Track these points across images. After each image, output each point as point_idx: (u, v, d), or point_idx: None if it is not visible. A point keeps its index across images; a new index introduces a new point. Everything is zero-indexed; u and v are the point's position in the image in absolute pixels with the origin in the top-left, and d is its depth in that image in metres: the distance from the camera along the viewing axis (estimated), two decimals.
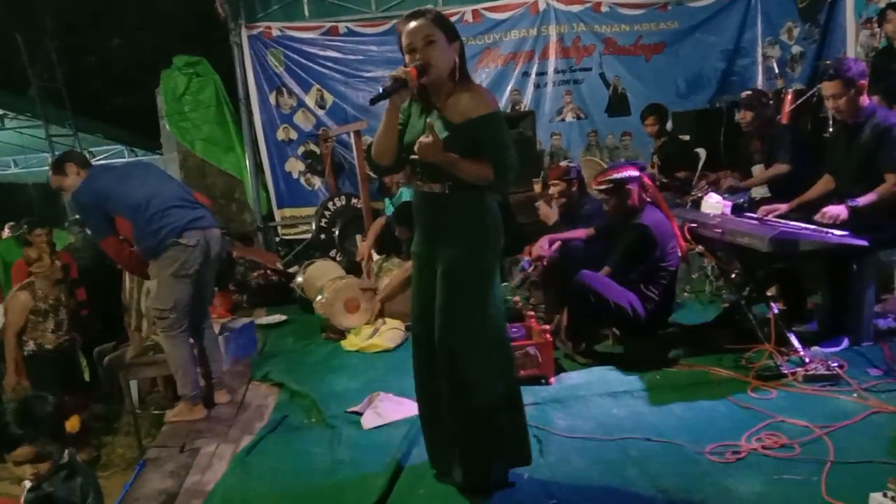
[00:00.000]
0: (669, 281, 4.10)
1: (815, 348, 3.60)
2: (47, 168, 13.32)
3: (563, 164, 5.05)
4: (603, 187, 4.08)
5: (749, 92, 5.37)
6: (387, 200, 6.73)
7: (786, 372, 3.51)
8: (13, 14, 9.77)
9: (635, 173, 4.05)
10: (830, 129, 5.08)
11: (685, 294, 5.44)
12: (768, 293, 4.43)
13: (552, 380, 3.78)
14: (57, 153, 11.40)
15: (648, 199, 4.10)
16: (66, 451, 2.28)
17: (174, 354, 3.85)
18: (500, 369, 2.61)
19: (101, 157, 16.56)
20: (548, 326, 3.96)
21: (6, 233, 8.22)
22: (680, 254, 4.09)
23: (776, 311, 3.87)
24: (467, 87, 2.48)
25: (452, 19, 7.60)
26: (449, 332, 2.52)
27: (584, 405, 3.48)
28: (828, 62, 4.69)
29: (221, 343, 4.46)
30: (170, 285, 3.78)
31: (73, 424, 3.90)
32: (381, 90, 2.41)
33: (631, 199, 4.03)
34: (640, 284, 3.99)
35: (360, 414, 3.62)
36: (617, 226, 4.19)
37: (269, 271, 7.04)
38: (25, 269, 5.10)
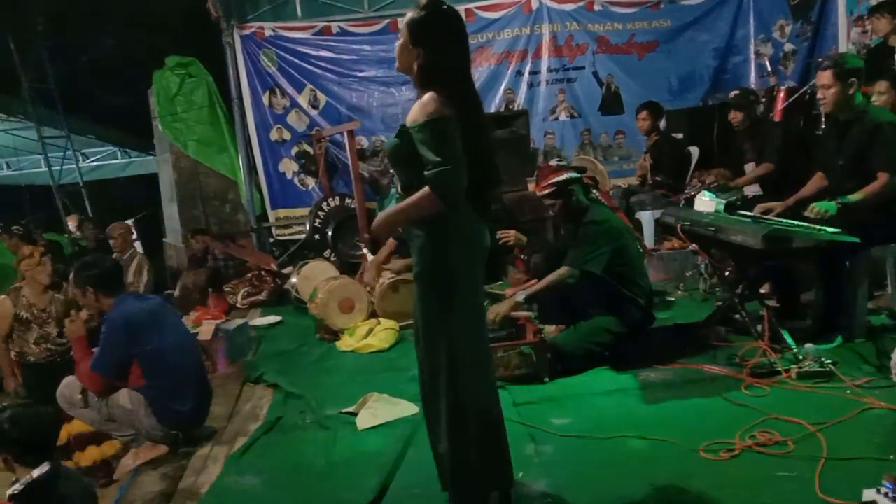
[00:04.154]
0: (641, 269, 4.15)
1: (809, 345, 3.60)
2: (40, 170, 13.28)
3: (553, 163, 5.07)
4: (547, 191, 4.13)
5: (737, 91, 5.39)
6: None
7: (779, 369, 3.51)
8: (3, 15, 9.73)
9: (575, 174, 4.16)
10: (823, 127, 5.10)
11: (679, 292, 5.45)
12: (762, 290, 4.45)
13: (546, 379, 3.78)
14: (49, 154, 11.41)
15: (593, 198, 4.20)
16: (49, 464, 2.28)
17: (92, 418, 3.54)
18: (475, 390, 2.41)
19: (94, 158, 16.49)
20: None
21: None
22: (641, 250, 4.14)
23: (769, 308, 3.87)
24: (422, 93, 2.38)
25: None
26: (419, 342, 2.47)
27: (579, 403, 3.48)
28: (821, 59, 4.72)
29: (217, 345, 4.42)
30: (139, 420, 3.45)
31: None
32: None
33: (576, 199, 4.10)
34: (625, 285, 3.97)
35: (354, 414, 3.62)
36: (572, 238, 4.15)
37: (263, 272, 7.03)
38: None
